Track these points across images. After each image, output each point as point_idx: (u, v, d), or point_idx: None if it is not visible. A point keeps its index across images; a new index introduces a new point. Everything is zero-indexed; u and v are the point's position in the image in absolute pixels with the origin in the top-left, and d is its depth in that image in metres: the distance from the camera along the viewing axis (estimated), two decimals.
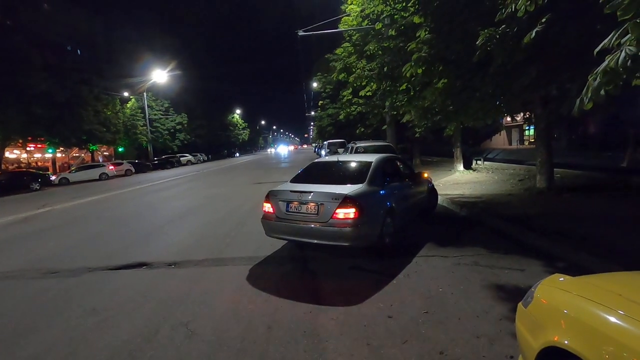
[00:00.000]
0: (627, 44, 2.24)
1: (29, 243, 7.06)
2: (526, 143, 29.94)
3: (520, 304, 2.02)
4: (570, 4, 4.27)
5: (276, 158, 45.65)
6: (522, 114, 13.40)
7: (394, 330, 2.94)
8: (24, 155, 32.89)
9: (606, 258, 3.88)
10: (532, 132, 26.45)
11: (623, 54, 2.21)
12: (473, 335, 2.79)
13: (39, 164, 33.40)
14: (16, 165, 31.00)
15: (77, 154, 37.32)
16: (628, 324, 1.37)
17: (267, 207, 4.89)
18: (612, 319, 1.43)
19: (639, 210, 6.15)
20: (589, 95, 2.48)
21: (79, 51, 38.29)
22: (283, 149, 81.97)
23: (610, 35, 2.37)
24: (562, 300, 1.74)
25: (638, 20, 2.09)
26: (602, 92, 2.40)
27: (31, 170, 25.27)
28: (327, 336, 2.93)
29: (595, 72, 2.45)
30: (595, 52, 2.57)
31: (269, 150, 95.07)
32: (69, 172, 26.29)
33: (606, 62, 2.34)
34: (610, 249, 4.17)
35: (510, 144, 32.69)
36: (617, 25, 2.32)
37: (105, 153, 40.17)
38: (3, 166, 25.49)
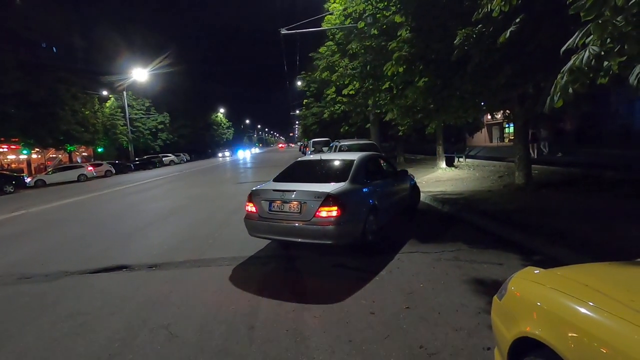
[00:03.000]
0: (592, 43, 2.33)
1: (2, 247, 6.79)
2: (506, 140, 30.66)
3: (495, 297, 2.07)
4: (542, 5, 4.39)
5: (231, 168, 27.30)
6: (501, 112, 13.78)
7: (376, 326, 2.97)
8: None
9: (580, 251, 4.03)
10: (511, 129, 27.13)
11: (587, 53, 2.30)
12: (452, 329, 2.85)
13: (13, 165, 32.16)
14: None
15: (54, 155, 36.10)
16: (597, 315, 1.42)
17: (250, 206, 4.86)
18: (582, 310, 1.48)
19: (610, 204, 6.40)
20: (558, 93, 2.57)
21: (54, 49, 37.06)
22: (244, 154, 58.03)
23: (575, 36, 2.46)
24: (534, 293, 1.80)
25: (600, 21, 2.17)
26: (570, 90, 2.49)
27: (4, 172, 24.30)
28: (309, 334, 2.93)
29: (562, 71, 2.54)
30: (561, 52, 2.67)
31: (220, 155, 58.70)
32: (46, 174, 25.40)
33: (571, 62, 2.43)
34: (583, 242, 4.32)
35: (491, 141, 33.43)
36: (584, 26, 2.41)
37: (83, 154, 39.01)
38: None
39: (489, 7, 3.95)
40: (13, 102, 22.74)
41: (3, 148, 29.42)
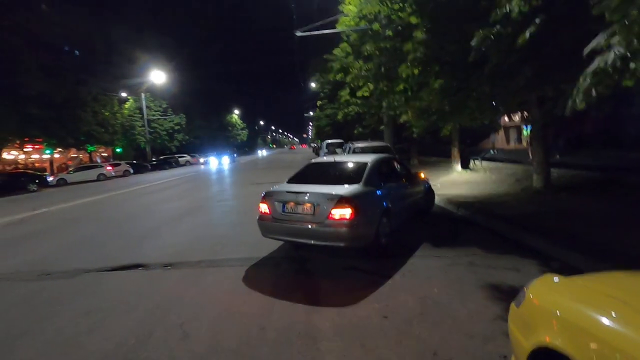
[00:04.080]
0: (617, 44, 2.24)
1: (24, 244, 7.03)
2: (524, 143, 29.97)
3: (512, 304, 2.02)
4: (564, 5, 4.27)
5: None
6: (519, 114, 13.51)
7: (389, 331, 2.94)
8: (22, 157, 32.74)
9: (600, 258, 3.89)
10: (529, 131, 26.47)
11: (612, 54, 2.21)
12: (467, 336, 2.79)
13: (37, 165, 33.25)
14: (13, 166, 30.85)
15: (75, 155, 37.20)
16: (620, 327, 1.37)
17: (264, 207, 4.88)
18: (604, 321, 1.43)
19: (633, 209, 6.17)
20: (580, 95, 2.48)
21: (76, 52, 38.18)
22: (217, 163, 38.13)
23: (599, 37, 2.37)
24: (553, 301, 1.74)
25: (626, 22, 2.09)
26: (594, 92, 2.41)
27: (28, 171, 25.16)
28: (321, 337, 2.92)
29: (584, 73, 2.45)
30: (584, 53, 2.57)
31: (197, 160, 42.51)
32: (67, 173, 26.21)
33: (595, 63, 2.34)
34: (604, 248, 4.18)
35: (508, 143, 32.73)
36: (608, 26, 2.33)
37: (103, 154, 40.06)
38: (0, 167, 25.38)
39: (508, 7, 3.88)
40: (36, 103, 23.50)
41: (27, 148, 30.46)
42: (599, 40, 2.38)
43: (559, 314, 1.64)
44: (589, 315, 1.50)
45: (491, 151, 20.36)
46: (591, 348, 1.39)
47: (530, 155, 17.11)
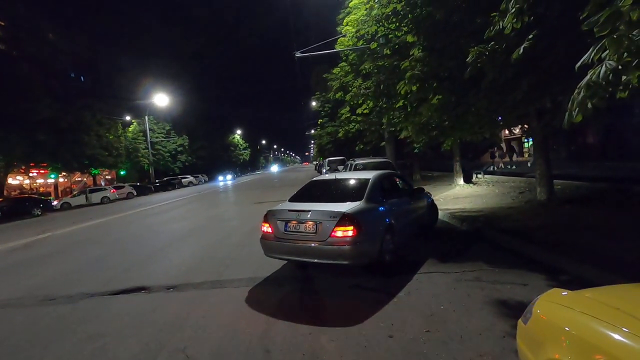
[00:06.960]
0: (608, 58, 2.28)
1: (28, 269, 7.01)
2: (526, 155, 29.96)
3: (520, 321, 1.98)
4: (556, 20, 4.36)
5: None
6: (519, 127, 13.59)
7: (395, 351, 2.87)
8: (27, 181, 33.07)
9: (610, 270, 3.82)
10: (531, 144, 26.59)
11: (604, 68, 2.25)
12: (476, 354, 2.72)
13: (42, 189, 33.56)
14: (19, 191, 31.14)
15: (79, 179, 37.56)
16: (630, 342, 1.34)
17: (266, 227, 4.87)
18: (614, 336, 1.40)
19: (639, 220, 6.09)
20: (576, 108, 2.51)
21: (82, 77, 39.21)
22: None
23: (589, 51, 2.42)
24: (562, 317, 1.71)
25: (615, 36, 2.14)
26: (589, 105, 2.43)
27: (33, 196, 25.41)
28: (327, 358, 2.86)
29: (578, 86, 2.49)
30: (575, 68, 2.62)
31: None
32: (71, 197, 26.39)
33: (588, 77, 2.38)
34: (614, 260, 4.11)
35: (510, 158, 32.68)
36: (599, 40, 2.38)
37: (107, 177, 40.41)
38: (5, 192, 25.59)
39: (501, 24, 3.97)
40: (43, 128, 23.91)
41: (33, 173, 30.80)
42: (590, 55, 2.43)
43: (567, 330, 1.61)
44: (599, 331, 1.47)
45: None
46: None
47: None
